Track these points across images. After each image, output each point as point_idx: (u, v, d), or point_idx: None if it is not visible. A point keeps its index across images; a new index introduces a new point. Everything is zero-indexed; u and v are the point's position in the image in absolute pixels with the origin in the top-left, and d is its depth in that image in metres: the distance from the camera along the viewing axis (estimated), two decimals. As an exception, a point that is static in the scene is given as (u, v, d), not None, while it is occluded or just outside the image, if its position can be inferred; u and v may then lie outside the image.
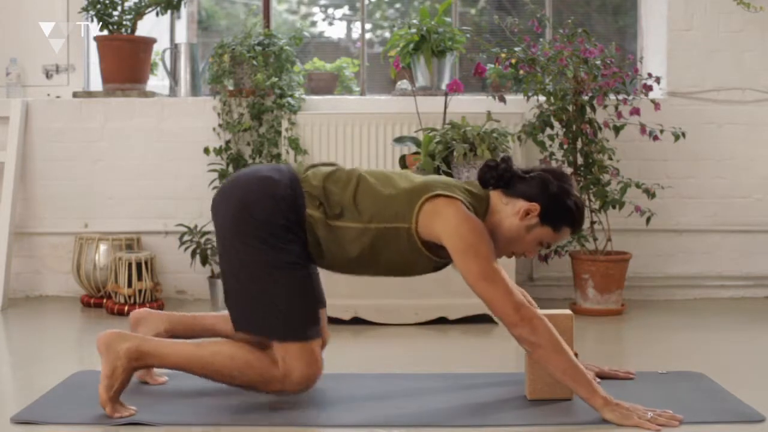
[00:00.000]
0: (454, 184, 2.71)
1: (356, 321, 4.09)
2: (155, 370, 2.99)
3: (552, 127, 4.42)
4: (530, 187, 2.70)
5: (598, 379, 2.90)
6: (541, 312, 2.66)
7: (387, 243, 2.66)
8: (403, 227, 2.63)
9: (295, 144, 4.63)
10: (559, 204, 2.70)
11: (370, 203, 2.66)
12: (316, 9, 5.99)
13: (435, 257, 2.69)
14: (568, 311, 2.84)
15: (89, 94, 4.94)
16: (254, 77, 4.75)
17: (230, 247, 2.67)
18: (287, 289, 2.64)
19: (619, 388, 2.86)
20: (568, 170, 4.44)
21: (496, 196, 2.72)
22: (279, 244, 2.63)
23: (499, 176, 2.72)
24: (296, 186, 2.68)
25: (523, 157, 4.69)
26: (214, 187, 4.69)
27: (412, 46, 4.83)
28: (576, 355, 2.89)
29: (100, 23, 4.88)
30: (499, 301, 2.53)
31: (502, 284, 2.53)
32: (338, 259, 2.72)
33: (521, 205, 2.69)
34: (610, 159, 4.42)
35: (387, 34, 5.74)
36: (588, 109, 4.38)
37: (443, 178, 2.75)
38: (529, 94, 4.45)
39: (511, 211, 2.69)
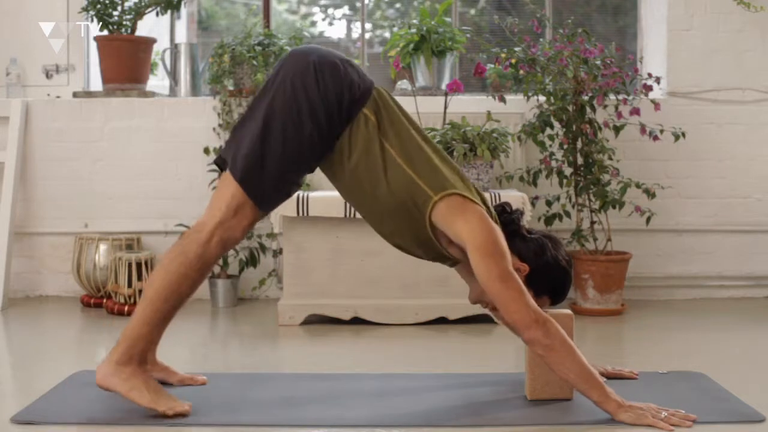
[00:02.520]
0: (485, 200, 2.70)
1: (356, 321, 4.09)
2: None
3: (552, 127, 4.42)
4: (527, 248, 2.73)
5: (604, 379, 2.91)
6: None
7: (402, 188, 2.61)
8: (426, 193, 2.61)
9: (295, 144, 4.63)
10: (547, 273, 2.73)
11: (418, 153, 2.64)
12: (316, 9, 5.99)
13: (436, 240, 2.67)
14: (568, 311, 2.84)
15: (89, 94, 4.94)
16: (254, 77, 4.75)
17: (274, 92, 2.64)
18: (283, 157, 2.62)
19: (621, 388, 2.86)
20: (568, 170, 4.45)
21: None
22: (316, 116, 2.60)
23: (506, 222, 2.75)
24: (369, 85, 2.67)
25: (523, 157, 4.70)
26: (214, 187, 4.68)
27: (412, 46, 4.83)
28: None
29: (100, 23, 4.88)
30: (514, 303, 2.52)
31: (518, 287, 2.53)
32: (356, 165, 2.66)
33: (512, 260, 2.69)
34: (610, 159, 4.42)
35: (387, 34, 5.74)
36: (588, 109, 4.38)
37: (476, 194, 2.72)
38: (529, 94, 4.44)
39: None
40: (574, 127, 4.36)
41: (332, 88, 2.60)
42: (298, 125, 2.60)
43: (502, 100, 4.49)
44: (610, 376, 2.97)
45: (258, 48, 4.78)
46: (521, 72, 4.42)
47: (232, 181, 2.64)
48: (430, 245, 2.68)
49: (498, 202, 2.82)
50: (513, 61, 4.43)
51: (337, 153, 2.67)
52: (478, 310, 4.05)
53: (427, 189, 2.60)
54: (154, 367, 2.94)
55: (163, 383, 2.96)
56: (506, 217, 2.76)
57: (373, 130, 2.63)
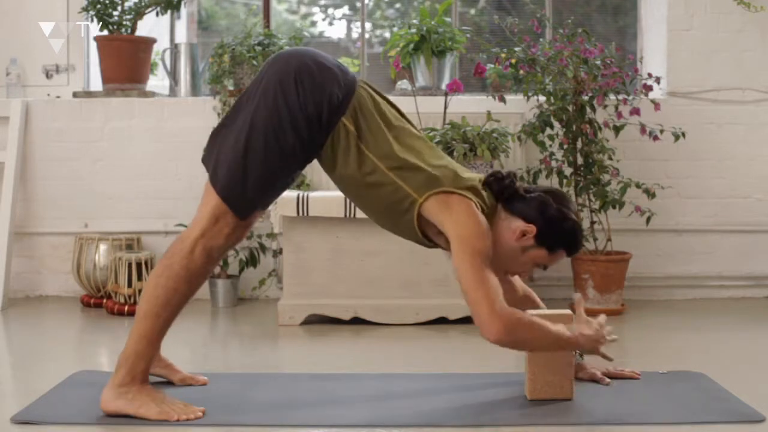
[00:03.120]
0: (475, 185, 2.68)
1: (356, 321, 4.09)
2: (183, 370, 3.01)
3: (552, 127, 4.42)
4: (529, 208, 2.71)
5: (608, 380, 2.94)
6: (536, 311, 2.76)
7: (386, 192, 2.63)
8: (411, 195, 2.62)
9: (295, 144, 4.62)
10: (556, 227, 2.71)
11: (398, 156, 2.64)
12: (316, 9, 5.99)
13: (423, 236, 2.69)
14: (567, 311, 2.84)
15: (89, 94, 4.94)
16: (254, 77, 4.74)
17: (257, 100, 2.64)
18: (264, 167, 2.61)
19: (622, 388, 2.87)
20: (568, 170, 4.45)
21: (498, 209, 2.72)
22: (297, 127, 2.60)
23: (501, 190, 2.73)
24: (349, 92, 2.65)
25: (523, 157, 4.70)
26: (214, 187, 4.69)
27: (412, 46, 4.83)
28: (581, 356, 2.92)
29: (100, 23, 4.88)
30: (481, 302, 2.52)
31: (489, 287, 2.53)
32: (342, 173, 2.67)
33: (518, 225, 2.69)
34: (610, 159, 4.42)
35: (387, 34, 5.74)
36: (588, 109, 4.38)
37: (468, 173, 2.72)
38: (529, 94, 4.44)
39: (507, 229, 2.69)
40: (574, 127, 4.36)
41: (312, 100, 2.60)
42: (280, 136, 2.60)
43: (502, 100, 4.49)
44: (612, 376, 2.98)
45: (258, 48, 4.78)
46: (521, 72, 4.42)
47: (213, 191, 2.65)
48: (423, 242, 2.72)
49: (489, 173, 2.78)
50: (513, 61, 4.43)
51: (322, 160, 2.70)
52: (478, 310, 4.05)
53: (411, 191, 2.62)
54: (158, 363, 2.95)
55: (165, 380, 2.96)
56: (500, 184, 2.73)
57: (352, 138, 2.63)
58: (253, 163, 2.61)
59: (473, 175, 2.72)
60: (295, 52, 2.70)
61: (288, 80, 2.61)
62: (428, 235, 2.69)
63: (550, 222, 2.70)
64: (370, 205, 2.72)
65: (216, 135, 2.71)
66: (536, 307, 2.95)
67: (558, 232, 2.71)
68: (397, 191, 2.62)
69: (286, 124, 2.59)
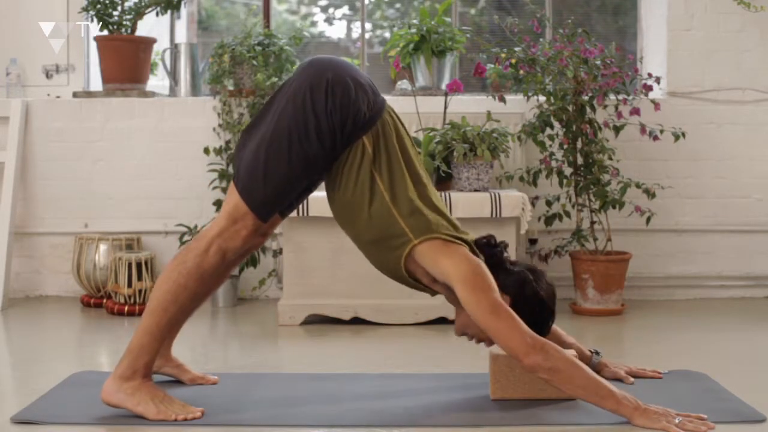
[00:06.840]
0: (468, 241, 2.69)
1: (356, 321, 4.09)
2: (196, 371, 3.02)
3: (552, 127, 4.42)
4: (509, 280, 2.72)
5: (632, 379, 2.94)
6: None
7: (381, 223, 2.64)
8: (406, 234, 2.62)
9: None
10: (529, 306, 2.71)
11: (406, 195, 2.65)
12: (316, 9, 5.99)
13: (411, 278, 2.69)
14: (572, 352, 2.79)
15: (89, 94, 4.94)
16: (254, 77, 4.75)
17: (285, 101, 2.64)
18: (285, 169, 2.62)
19: (621, 388, 2.87)
20: (568, 170, 4.45)
21: None
22: (321, 137, 2.60)
23: (490, 255, 2.74)
24: (375, 114, 2.66)
25: (523, 157, 4.70)
26: (215, 187, 4.70)
27: (412, 46, 4.83)
28: (597, 353, 2.92)
29: (100, 23, 4.88)
30: (509, 333, 2.52)
31: (509, 316, 2.53)
32: (344, 193, 2.68)
33: None
34: (610, 159, 4.42)
35: (387, 34, 5.74)
36: (588, 109, 4.38)
37: (462, 230, 2.73)
38: (529, 94, 4.44)
39: None
40: (574, 127, 4.36)
41: (339, 111, 2.61)
42: (303, 140, 2.61)
43: (502, 100, 4.49)
44: (634, 375, 2.98)
45: (258, 48, 4.78)
46: (521, 72, 4.41)
47: (236, 190, 2.66)
48: (405, 281, 2.71)
49: (483, 235, 2.79)
50: (513, 61, 4.43)
51: (331, 174, 2.70)
52: (478, 310, 4.05)
53: (408, 230, 2.62)
54: (168, 363, 2.95)
55: (176, 380, 2.96)
56: (490, 249, 2.75)
57: (367, 160, 2.64)
58: (274, 163, 2.62)
59: (466, 235, 2.72)
60: (332, 62, 2.70)
61: (320, 87, 2.62)
62: (415, 276, 2.69)
63: (525, 299, 2.71)
64: (360, 233, 2.69)
65: (246, 134, 2.72)
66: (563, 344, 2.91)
67: (529, 311, 2.71)
68: (394, 226, 2.62)
69: (311, 129, 2.60)
